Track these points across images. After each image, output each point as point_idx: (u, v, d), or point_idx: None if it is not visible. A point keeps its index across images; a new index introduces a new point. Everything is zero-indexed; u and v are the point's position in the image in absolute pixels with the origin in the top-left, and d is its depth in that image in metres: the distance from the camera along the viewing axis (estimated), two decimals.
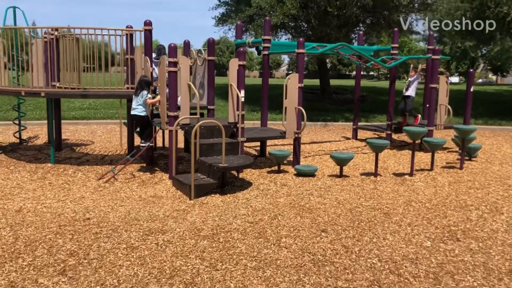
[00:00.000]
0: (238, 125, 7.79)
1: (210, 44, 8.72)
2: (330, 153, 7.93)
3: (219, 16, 18.30)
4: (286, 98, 8.29)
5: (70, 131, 13.19)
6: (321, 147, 11.35)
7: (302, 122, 8.40)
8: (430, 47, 11.42)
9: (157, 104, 7.79)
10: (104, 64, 8.27)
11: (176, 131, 7.31)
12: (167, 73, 7.29)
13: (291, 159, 8.83)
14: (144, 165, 8.57)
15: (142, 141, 8.01)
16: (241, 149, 7.79)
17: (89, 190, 6.94)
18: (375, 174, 7.95)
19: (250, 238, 5.06)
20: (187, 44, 9.79)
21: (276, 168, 8.43)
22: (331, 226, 5.50)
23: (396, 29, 11.28)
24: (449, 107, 10.22)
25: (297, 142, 8.59)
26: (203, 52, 8.87)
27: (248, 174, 8.04)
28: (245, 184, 7.35)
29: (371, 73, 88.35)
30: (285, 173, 8.19)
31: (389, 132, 11.26)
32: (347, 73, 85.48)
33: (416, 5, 16.03)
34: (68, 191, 6.88)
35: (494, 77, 74.64)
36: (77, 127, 14.07)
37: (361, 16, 14.94)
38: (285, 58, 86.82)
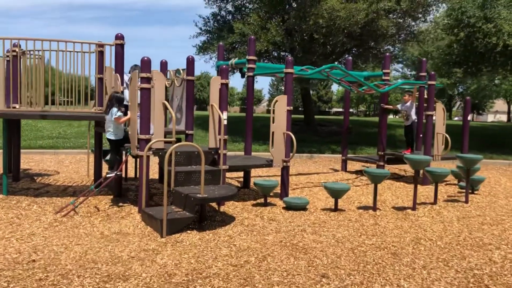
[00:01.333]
0: (219, 151, 6.86)
1: (189, 63, 7.87)
2: (323, 184, 7.04)
3: (200, 44, 17.66)
4: (273, 122, 7.43)
5: (35, 161, 12.02)
6: (309, 179, 10.45)
7: (291, 153, 7.53)
8: (422, 73, 10.84)
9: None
10: (83, 97, 7.37)
11: (148, 157, 6.32)
12: (139, 91, 6.37)
13: (279, 190, 7.90)
14: (112, 197, 7.51)
15: (108, 170, 6.99)
16: (223, 178, 6.83)
17: (42, 225, 5.84)
18: (374, 207, 7.05)
19: (234, 286, 4.04)
20: (164, 64, 8.93)
21: (262, 200, 7.47)
22: (332, 270, 4.53)
23: (388, 54, 10.69)
24: (447, 136, 9.51)
25: (285, 172, 7.68)
26: (181, 72, 8.02)
27: (230, 207, 7.05)
28: (227, 219, 6.35)
29: (351, 110, 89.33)
30: (273, 206, 7.22)
31: (381, 163, 10.45)
32: (327, 109, 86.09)
33: (403, 35, 15.70)
34: (17, 226, 5.77)
35: (469, 116, 76.15)
36: (43, 157, 12.90)
37: (348, 44, 14.46)
38: (266, 94, 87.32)
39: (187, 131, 7.94)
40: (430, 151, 9.49)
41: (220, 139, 6.81)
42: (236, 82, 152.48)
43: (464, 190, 9.03)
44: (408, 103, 10.13)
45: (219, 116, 6.75)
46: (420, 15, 15.34)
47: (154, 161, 9.20)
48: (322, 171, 11.92)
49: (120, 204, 7.06)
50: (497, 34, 14.07)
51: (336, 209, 6.99)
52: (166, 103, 6.39)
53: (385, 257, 4.99)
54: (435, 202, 7.62)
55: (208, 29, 17.68)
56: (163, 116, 6.46)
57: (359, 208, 7.32)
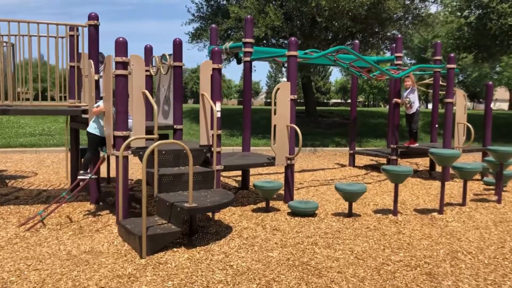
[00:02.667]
0: (213, 148, 5.82)
1: (176, 46, 6.82)
2: (335, 185, 6.01)
3: (193, 31, 16.52)
4: (275, 114, 6.39)
5: (14, 161, 10.97)
6: (314, 176, 9.42)
7: (297, 148, 6.51)
8: (438, 57, 9.79)
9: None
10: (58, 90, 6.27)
11: (126, 157, 5.28)
12: (113, 78, 5.32)
13: (282, 192, 6.87)
14: (89, 204, 6.49)
15: (81, 171, 5.95)
16: (217, 181, 5.79)
17: None
18: (395, 211, 6.03)
19: None
20: (148, 50, 7.86)
21: (263, 204, 6.45)
22: None
23: (399, 35, 9.62)
24: (470, 126, 8.47)
25: (289, 171, 6.64)
26: (167, 57, 6.96)
27: (227, 214, 6.03)
28: (223, 230, 5.33)
29: (349, 100, 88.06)
30: (276, 211, 6.20)
31: (394, 157, 9.43)
32: (325, 100, 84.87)
33: (410, 17, 14.60)
34: None
35: (470, 104, 74.96)
36: (23, 156, 11.84)
37: (353, 28, 13.38)
38: (263, 86, 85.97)
39: (175, 126, 6.91)
40: (450, 143, 8.45)
41: (213, 135, 5.76)
42: (233, 73, 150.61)
43: (491, 187, 8.03)
44: (411, 89, 8.97)
45: (211, 108, 5.70)
46: None
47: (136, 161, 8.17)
48: (328, 166, 10.89)
49: (98, 213, 6.04)
50: None
51: (350, 214, 5.97)
52: (147, 92, 5.33)
53: (419, 279, 3.98)
54: (463, 203, 6.59)
55: (201, 15, 16.53)
56: (143, 108, 5.41)
57: (376, 211, 6.30)
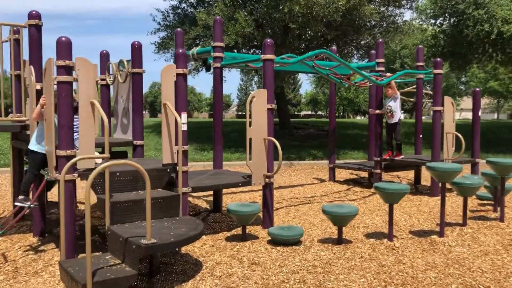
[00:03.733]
0: (178, 167, 4.92)
1: (135, 50, 5.95)
2: (322, 208, 5.20)
3: (159, 41, 15.60)
4: (250, 126, 5.56)
5: None
6: (293, 193, 8.61)
7: (276, 163, 5.70)
8: (420, 63, 9.22)
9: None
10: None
11: (73, 182, 4.34)
12: (55, 85, 4.39)
13: (261, 215, 6.02)
14: (31, 236, 5.46)
15: (20, 197, 4.95)
16: (183, 207, 4.88)
17: None
18: (390, 236, 5.25)
19: None
20: (105, 56, 6.93)
21: (239, 231, 5.58)
22: None
23: (380, 40, 9.00)
24: (460, 135, 7.86)
25: (268, 191, 5.80)
26: (125, 64, 6.06)
27: (196, 244, 5.12)
28: (191, 267, 4.42)
29: (319, 112, 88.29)
30: (254, 239, 5.33)
31: (378, 171, 8.73)
32: (296, 112, 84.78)
33: (384, 25, 14.12)
34: None
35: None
36: None
37: (328, 35, 12.76)
38: (234, 99, 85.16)
39: (135, 142, 6.00)
40: (439, 155, 7.81)
41: (178, 151, 4.87)
42: (204, 86, 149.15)
43: (485, 202, 7.41)
44: (394, 98, 8.25)
45: (175, 120, 4.81)
46: (404, 1, 13.82)
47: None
48: (306, 181, 10.11)
49: (41, 248, 5.03)
50: (489, 20, 12.67)
51: (340, 240, 5.15)
52: (96, 102, 4.41)
53: None
54: (464, 223, 5.88)
55: (168, 23, 15.62)
56: (92, 122, 4.48)
57: (368, 235, 5.52)
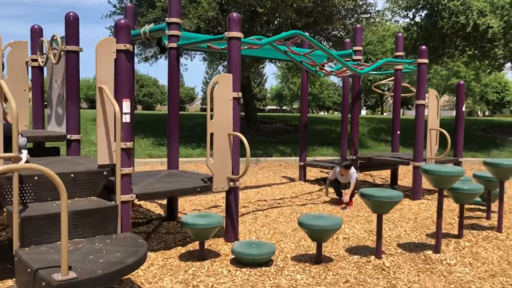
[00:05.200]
0: (117, 169, 3.85)
1: (70, 23, 4.82)
2: (299, 220, 4.27)
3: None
4: (212, 119, 4.55)
5: None
6: (260, 195, 7.67)
7: (242, 164, 4.72)
8: (399, 53, 8.45)
9: None
10: None
11: None
12: None
13: (223, 225, 5.02)
14: None
15: None
16: (123, 220, 3.82)
17: None
18: (378, 253, 4.38)
19: None
20: (36, 32, 5.74)
21: (196, 246, 4.58)
22: None
23: (358, 26, 8.15)
24: (445, 132, 7.11)
25: (232, 197, 4.81)
26: (59, 40, 4.91)
27: (143, 265, 4.07)
28: None
29: (284, 107, 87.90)
30: (214, 257, 4.34)
31: None
32: (261, 107, 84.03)
33: (355, 15, 13.36)
34: None
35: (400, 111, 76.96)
36: None
37: (298, 23, 11.85)
38: (199, 93, 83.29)
39: (69, 136, 4.88)
40: (421, 154, 7.05)
41: (117, 149, 3.80)
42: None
43: (475, 206, 6.70)
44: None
45: (114, 109, 3.74)
46: None
47: None
48: (275, 180, 9.20)
49: None
50: (465, 12, 12.12)
51: (319, 259, 4.23)
52: (2, 82, 3.29)
53: None
54: (460, 235, 5.08)
55: (124, 5, 14.30)
56: (12, 107, 3.36)
57: (350, 250, 4.63)
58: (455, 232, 5.27)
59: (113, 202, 3.68)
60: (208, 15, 11.28)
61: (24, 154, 3.80)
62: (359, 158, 7.92)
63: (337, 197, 6.97)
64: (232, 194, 4.79)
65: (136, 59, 15.71)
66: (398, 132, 8.70)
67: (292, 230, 5.39)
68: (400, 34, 8.63)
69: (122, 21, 3.99)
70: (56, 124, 5.42)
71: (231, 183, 4.73)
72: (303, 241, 4.91)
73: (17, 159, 3.13)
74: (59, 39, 4.94)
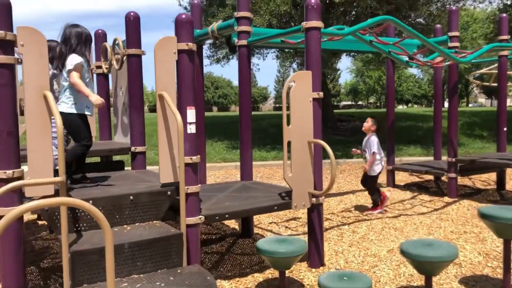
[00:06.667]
0: (180, 187, 3.29)
1: (130, 24, 4.40)
2: (400, 246, 3.48)
3: None
4: (288, 125, 3.88)
5: None
6: (344, 204, 6.89)
7: (328, 179, 3.99)
8: (504, 36, 7.22)
9: None
10: None
11: (21, 218, 2.82)
12: None
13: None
14: None
15: None
16: (191, 249, 3.27)
17: None
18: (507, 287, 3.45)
19: None
20: (100, 37, 5.44)
21: (274, 273, 3.93)
22: None
23: (453, 8, 7.07)
24: None
25: (316, 215, 4.11)
26: (120, 44, 4.52)
27: None
28: None
29: (359, 102, 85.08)
30: None
31: (452, 174, 6.88)
32: (335, 103, 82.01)
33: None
34: None
35: (487, 101, 70.96)
36: None
37: (379, 11, 10.84)
38: (272, 92, 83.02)
39: (133, 148, 4.46)
40: None
41: (181, 165, 3.25)
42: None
43: None
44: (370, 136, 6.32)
45: (177, 119, 3.19)
46: None
47: None
48: (358, 186, 8.31)
49: None
50: None
51: None
52: (49, 94, 2.87)
53: None
54: None
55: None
56: (48, 125, 2.94)
57: (466, 283, 3.73)
58: None
59: (178, 230, 3.14)
60: (280, 10, 10.65)
61: None
62: (459, 160, 6.85)
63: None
64: (315, 212, 4.09)
65: (208, 61, 15.52)
66: (505, 129, 7.46)
67: (387, 251, 4.58)
68: (504, 15, 7.37)
69: (184, 16, 3.44)
70: (122, 134, 5.06)
71: (314, 200, 4.03)
72: (403, 267, 4.09)
73: (63, 185, 2.67)
74: (120, 43, 4.54)
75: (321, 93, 4.05)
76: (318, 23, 4.06)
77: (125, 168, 4.86)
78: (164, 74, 3.34)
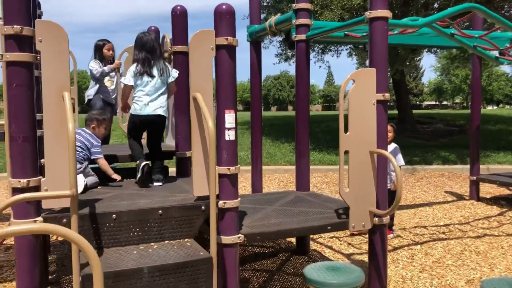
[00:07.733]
0: (211, 205, 2.87)
1: (177, 19, 4.07)
2: (481, 285, 2.78)
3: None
4: (346, 132, 3.30)
5: None
6: (418, 218, 6.12)
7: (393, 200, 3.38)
8: None
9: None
10: None
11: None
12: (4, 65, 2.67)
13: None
14: None
15: None
16: (228, 276, 2.84)
17: None
18: None
19: None
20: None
21: None
22: None
23: None
24: None
25: (378, 238, 3.49)
26: (167, 42, 4.22)
27: None
28: None
29: (444, 102, 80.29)
30: None
31: None
32: (418, 103, 77.95)
33: None
34: None
35: None
36: None
37: (465, 1, 9.72)
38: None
39: (178, 152, 4.13)
40: None
41: (211, 177, 2.82)
42: (317, 77, 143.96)
43: None
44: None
45: (207, 125, 2.77)
46: None
47: None
48: (436, 198, 7.45)
49: None
50: None
51: None
52: (66, 95, 2.57)
53: None
54: None
55: (265, 4, 13.67)
56: (71, 124, 2.65)
57: None
58: None
59: (207, 253, 2.72)
60: (353, 3, 9.91)
61: (81, 180, 3.22)
62: None
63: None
64: (377, 234, 3.47)
65: (276, 59, 15.07)
66: None
67: (466, 281, 3.84)
68: None
69: (224, 6, 3.01)
70: (172, 137, 4.77)
71: (376, 220, 3.41)
72: None
73: (74, 199, 2.35)
74: (168, 40, 4.25)
75: (387, 95, 3.42)
76: (385, 12, 3.43)
77: (169, 174, 4.55)
78: (199, 73, 2.93)
